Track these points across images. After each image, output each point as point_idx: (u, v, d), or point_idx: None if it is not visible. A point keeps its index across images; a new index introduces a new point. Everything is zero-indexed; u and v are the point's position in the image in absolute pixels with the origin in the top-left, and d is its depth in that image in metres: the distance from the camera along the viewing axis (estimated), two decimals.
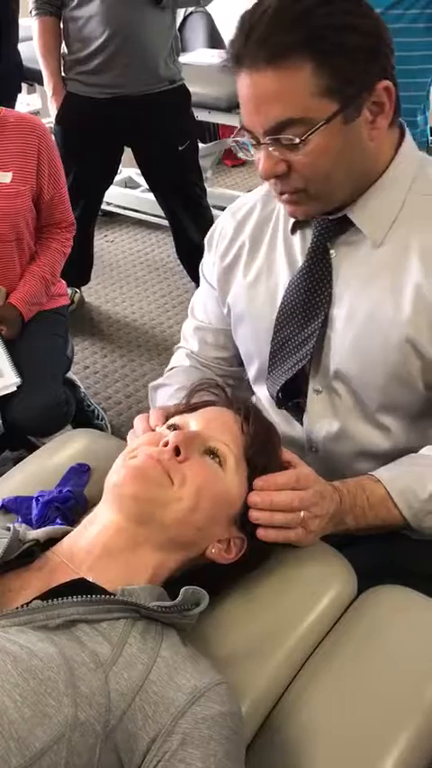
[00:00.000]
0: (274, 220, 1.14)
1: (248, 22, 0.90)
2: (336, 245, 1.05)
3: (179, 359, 1.32)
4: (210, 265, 1.22)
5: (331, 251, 1.05)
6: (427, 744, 0.84)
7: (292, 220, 1.10)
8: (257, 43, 0.89)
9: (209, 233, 1.23)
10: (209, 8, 3.94)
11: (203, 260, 1.25)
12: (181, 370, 1.28)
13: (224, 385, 1.07)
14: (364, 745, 0.82)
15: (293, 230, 1.11)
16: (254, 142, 0.95)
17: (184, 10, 3.77)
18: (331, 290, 1.05)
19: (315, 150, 0.92)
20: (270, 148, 0.93)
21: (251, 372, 1.22)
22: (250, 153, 0.98)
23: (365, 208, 1.01)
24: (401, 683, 0.87)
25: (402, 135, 1.03)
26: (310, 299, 1.06)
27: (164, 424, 0.96)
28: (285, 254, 1.11)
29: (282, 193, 1.00)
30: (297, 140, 0.91)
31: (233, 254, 1.17)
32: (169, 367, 1.32)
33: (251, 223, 1.16)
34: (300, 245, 1.10)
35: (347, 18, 0.89)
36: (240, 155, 1.01)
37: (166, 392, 1.22)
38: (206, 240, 1.23)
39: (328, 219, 1.04)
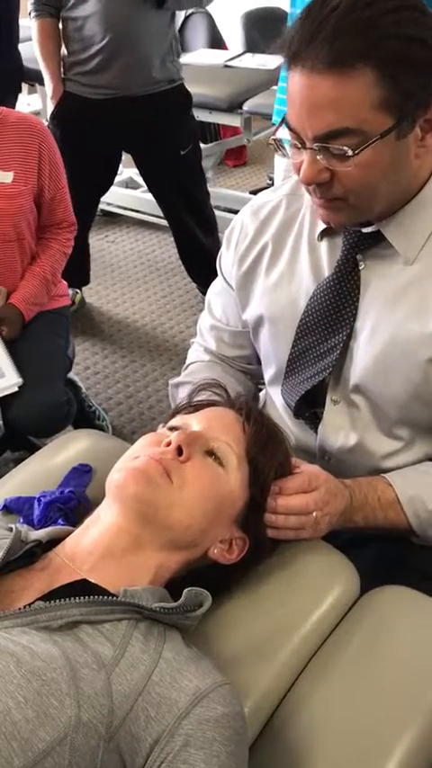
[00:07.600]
0: (300, 222, 1.10)
1: (314, 20, 0.84)
2: (366, 259, 1.02)
3: (197, 354, 1.28)
4: (228, 264, 1.19)
5: (360, 264, 1.02)
6: (431, 745, 0.84)
7: (320, 226, 1.06)
8: (321, 44, 0.83)
9: (228, 229, 1.19)
10: (209, 8, 3.94)
11: (221, 255, 1.21)
12: (202, 366, 1.25)
13: (225, 385, 1.06)
14: (367, 745, 0.82)
15: (321, 237, 1.07)
16: (297, 144, 0.91)
17: (185, 11, 3.76)
18: (358, 304, 1.03)
19: (365, 163, 0.88)
20: (318, 156, 0.89)
21: (268, 375, 1.20)
22: (288, 152, 0.94)
23: (401, 224, 0.98)
24: (404, 683, 0.87)
25: None
26: (335, 310, 1.04)
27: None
28: (310, 260, 1.08)
29: (320, 198, 0.96)
30: (350, 152, 0.86)
31: (254, 256, 1.13)
32: (187, 363, 1.29)
33: (275, 223, 1.12)
34: (327, 253, 1.06)
35: (416, 29, 0.84)
36: (278, 154, 0.98)
37: (189, 390, 1.18)
38: (225, 236, 1.20)
39: (360, 232, 1.01)
